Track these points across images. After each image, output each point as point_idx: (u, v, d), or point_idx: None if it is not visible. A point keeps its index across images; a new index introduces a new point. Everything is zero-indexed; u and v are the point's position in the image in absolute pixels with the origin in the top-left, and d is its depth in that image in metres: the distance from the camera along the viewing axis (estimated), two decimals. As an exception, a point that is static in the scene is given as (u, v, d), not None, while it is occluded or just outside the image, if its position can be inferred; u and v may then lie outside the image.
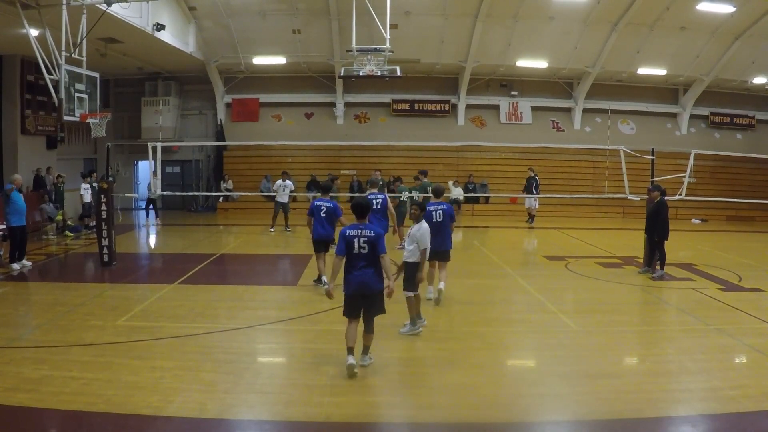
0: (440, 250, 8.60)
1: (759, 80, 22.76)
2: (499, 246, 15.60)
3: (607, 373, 6.24)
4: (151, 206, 20.55)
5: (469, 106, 23.82)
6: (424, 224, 7.46)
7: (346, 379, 5.86)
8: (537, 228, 18.88)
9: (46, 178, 17.98)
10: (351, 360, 5.87)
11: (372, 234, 5.96)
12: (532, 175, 19.40)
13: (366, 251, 5.92)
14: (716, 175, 22.50)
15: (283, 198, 16.72)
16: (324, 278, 9.54)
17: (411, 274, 7.30)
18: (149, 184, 20.22)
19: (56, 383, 5.68)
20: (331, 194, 10.22)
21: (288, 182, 17.05)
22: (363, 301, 6.01)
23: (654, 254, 11.34)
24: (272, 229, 16.76)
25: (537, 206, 19.73)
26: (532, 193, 19.04)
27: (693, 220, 21.76)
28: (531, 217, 19.79)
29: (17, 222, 11.28)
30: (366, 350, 6.16)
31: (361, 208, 6.14)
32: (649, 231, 11.43)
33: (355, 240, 5.92)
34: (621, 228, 19.19)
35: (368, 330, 6.13)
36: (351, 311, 6.07)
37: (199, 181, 24.09)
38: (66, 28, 11.81)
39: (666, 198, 11.42)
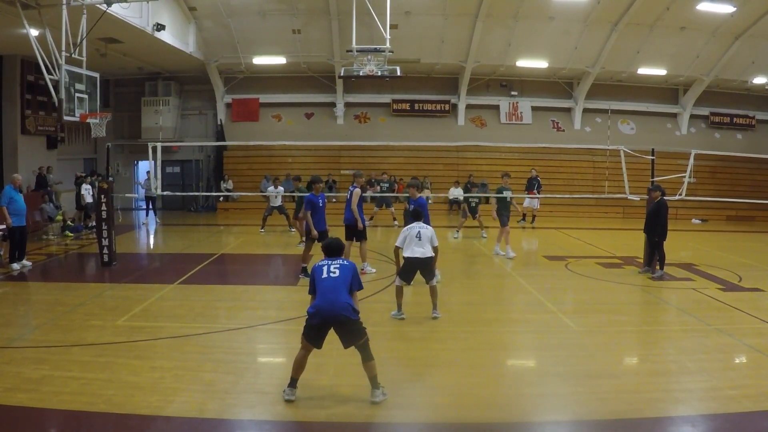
0: None
1: (759, 80, 22.76)
2: (499, 246, 15.57)
3: (607, 373, 6.24)
4: (150, 205, 20.55)
5: (469, 106, 23.82)
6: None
7: (346, 379, 5.86)
8: (537, 228, 18.88)
9: (48, 177, 18.02)
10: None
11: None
12: (535, 175, 19.40)
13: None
14: (716, 175, 22.52)
15: (276, 202, 16.98)
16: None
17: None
18: (145, 181, 20.40)
19: (56, 383, 5.68)
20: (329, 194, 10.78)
21: (280, 188, 17.49)
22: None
23: (654, 254, 11.34)
24: (262, 230, 16.91)
25: (538, 206, 19.70)
26: (534, 193, 19.04)
27: (693, 220, 21.76)
28: (524, 217, 19.71)
29: (17, 222, 11.28)
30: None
31: (332, 249, 5.80)
32: (649, 231, 11.42)
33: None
34: (621, 228, 19.19)
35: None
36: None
37: (199, 181, 24.10)
38: (66, 28, 11.81)
39: (666, 198, 11.41)
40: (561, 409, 5.51)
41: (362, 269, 10.75)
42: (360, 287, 5.64)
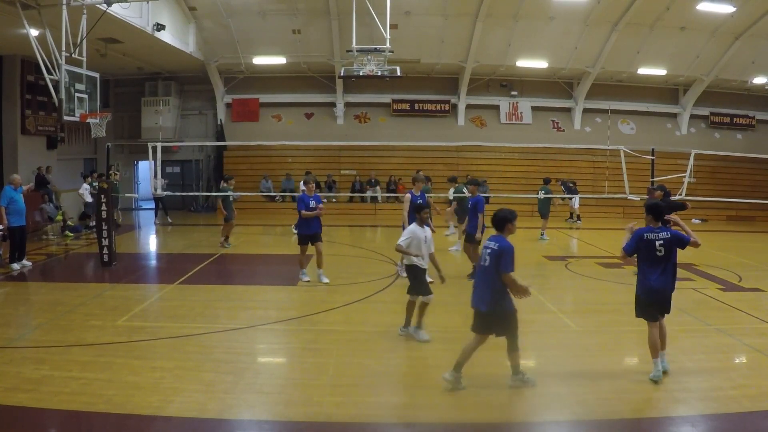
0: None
1: (759, 80, 22.73)
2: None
3: (607, 373, 6.24)
4: (158, 206, 20.49)
5: (469, 106, 23.80)
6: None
7: (346, 379, 5.86)
8: (537, 228, 18.85)
9: (47, 177, 17.99)
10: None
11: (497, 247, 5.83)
12: (565, 180, 20.34)
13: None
14: (716, 175, 22.49)
15: None
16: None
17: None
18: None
19: (56, 383, 5.69)
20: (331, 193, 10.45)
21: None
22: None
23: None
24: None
25: (578, 206, 20.32)
26: (574, 193, 19.67)
27: (693, 220, 21.68)
28: (577, 216, 20.45)
29: (17, 222, 11.28)
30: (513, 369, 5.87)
31: (497, 220, 6.05)
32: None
33: None
34: (621, 228, 19.10)
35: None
36: None
37: (200, 181, 24.09)
38: (66, 28, 11.80)
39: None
40: (561, 409, 5.51)
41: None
42: (507, 269, 5.79)
